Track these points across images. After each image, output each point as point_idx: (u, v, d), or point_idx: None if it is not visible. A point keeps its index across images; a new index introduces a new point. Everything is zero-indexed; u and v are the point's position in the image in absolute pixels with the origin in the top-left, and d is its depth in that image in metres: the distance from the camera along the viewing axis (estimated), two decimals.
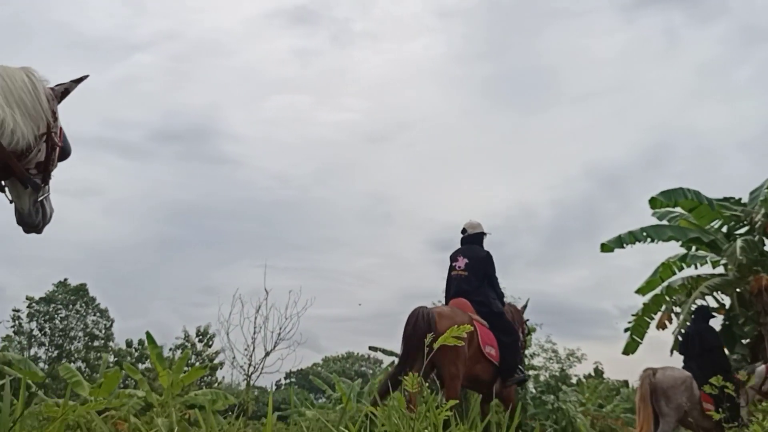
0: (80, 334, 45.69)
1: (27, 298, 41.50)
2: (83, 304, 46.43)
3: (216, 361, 26.84)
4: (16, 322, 40.22)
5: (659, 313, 14.57)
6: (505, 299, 7.64)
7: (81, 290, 45.91)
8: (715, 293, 13.88)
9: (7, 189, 2.98)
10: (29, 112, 2.79)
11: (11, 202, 3.00)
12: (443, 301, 7.63)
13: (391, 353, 26.69)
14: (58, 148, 3.02)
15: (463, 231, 7.35)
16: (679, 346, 10.50)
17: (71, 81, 3.11)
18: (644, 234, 13.77)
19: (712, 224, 14.55)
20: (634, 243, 13.79)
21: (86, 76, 3.13)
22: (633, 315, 14.76)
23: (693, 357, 9.46)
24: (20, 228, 3.07)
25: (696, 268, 14.88)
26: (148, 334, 14.20)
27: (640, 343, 14.68)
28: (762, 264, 13.79)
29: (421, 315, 6.12)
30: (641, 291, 15.20)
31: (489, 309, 6.84)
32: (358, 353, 49.46)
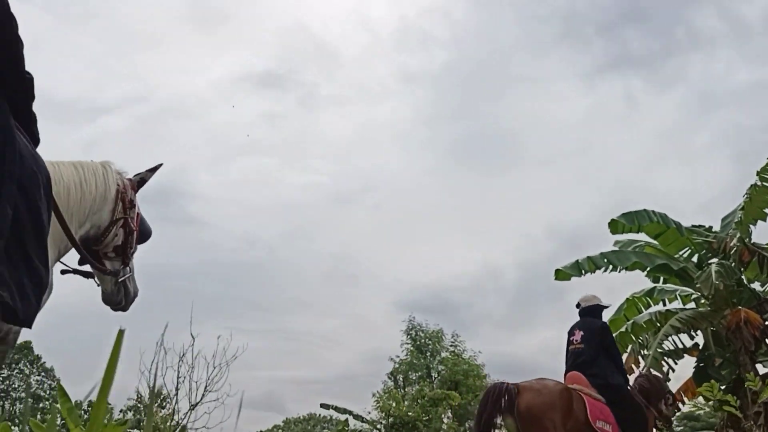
0: (23, 394, 43.35)
1: None
2: (27, 364, 44.04)
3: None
4: None
5: (624, 355, 12.78)
6: (643, 368, 7.37)
7: (25, 348, 43.49)
8: (687, 330, 12.16)
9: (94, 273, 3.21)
10: (98, 201, 3.01)
11: (98, 285, 3.23)
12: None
13: (344, 411, 25.00)
14: (135, 233, 3.26)
15: (578, 305, 7.24)
16: None
17: (146, 170, 3.40)
18: (605, 260, 12.09)
19: (681, 252, 12.94)
20: (593, 270, 12.09)
21: (160, 165, 3.44)
22: None
23: None
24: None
25: (664, 304, 13.23)
26: (59, 386, 12.88)
27: None
28: (739, 296, 12.16)
29: (499, 390, 6.02)
30: None
31: (605, 382, 6.52)
32: (320, 415, 48.14)
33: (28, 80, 2.43)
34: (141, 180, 3.35)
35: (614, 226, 12.68)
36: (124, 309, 3.37)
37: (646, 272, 12.67)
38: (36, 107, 2.66)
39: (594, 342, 6.72)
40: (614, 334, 13.04)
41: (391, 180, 62.65)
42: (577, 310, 7.26)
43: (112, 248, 3.16)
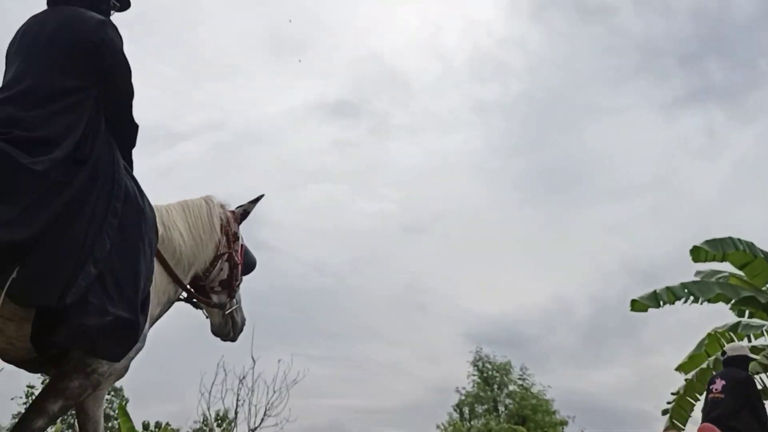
0: None
1: (42, 375, 40.28)
2: None
3: None
4: (29, 399, 38.91)
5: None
6: None
7: None
8: None
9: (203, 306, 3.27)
10: (205, 240, 3.06)
11: (206, 317, 3.32)
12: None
13: None
14: (240, 266, 3.26)
15: (723, 353, 7.12)
16: None
17: (249, 202, 3.41)
18: (685, 291, 11.29)
19: None
20: (672, 302, 11.31)
21: (262, 196, 3.40)
22: (672, 394, 12.12)
23: None
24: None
25: (750, 340, 12.30)
26: (121, 405, 13.25)
27: (683, 430, 11.99)
28: None
29: None
30: (683, 368, 12.59)
31: None
32: None
33: (134, 128, 2.59)
34: (244, 212, 3.38)
35: (696, 253, 11.86)
36: (233, 339, 3.41)
37: (730, 305, 11.83)
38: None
39: (737, 393, 6.35)
40: (694, 372, 12.26)
41: (462, 209, 62.42)
42: (722, 358, 7.01)
43: (218, 283, 3.19)
